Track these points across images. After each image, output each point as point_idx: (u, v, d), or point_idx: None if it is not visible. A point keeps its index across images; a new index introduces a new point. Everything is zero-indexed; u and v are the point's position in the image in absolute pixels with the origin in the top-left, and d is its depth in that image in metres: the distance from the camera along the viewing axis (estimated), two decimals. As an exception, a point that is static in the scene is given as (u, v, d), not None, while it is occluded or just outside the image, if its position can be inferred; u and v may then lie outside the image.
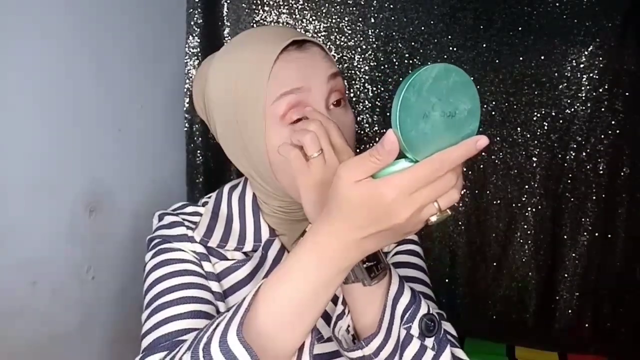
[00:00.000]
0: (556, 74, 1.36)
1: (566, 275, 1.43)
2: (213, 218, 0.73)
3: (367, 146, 1.44)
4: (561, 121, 1.38)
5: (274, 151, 0.63)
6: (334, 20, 1.40)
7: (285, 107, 0.62)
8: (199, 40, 1.38)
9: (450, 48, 1.39)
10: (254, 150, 0.65)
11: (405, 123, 0.44)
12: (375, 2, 1.39)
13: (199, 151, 1.42)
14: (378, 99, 1.43)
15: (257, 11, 1.40)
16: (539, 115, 1.39)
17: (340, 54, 1.42)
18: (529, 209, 1.43)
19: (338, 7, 1.39)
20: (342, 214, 0.47)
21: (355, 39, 1.41)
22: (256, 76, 0.63)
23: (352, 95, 1.43)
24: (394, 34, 1.40)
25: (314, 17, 1.40)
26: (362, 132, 1.44)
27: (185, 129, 1.40)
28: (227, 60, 0.67)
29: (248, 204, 0.74)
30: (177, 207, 0.77)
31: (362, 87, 1.43)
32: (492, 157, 1.42)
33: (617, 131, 1.36)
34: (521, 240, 1.44)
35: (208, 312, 0.64)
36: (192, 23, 1.37)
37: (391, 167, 0.46)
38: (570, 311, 1.44)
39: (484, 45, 1.38)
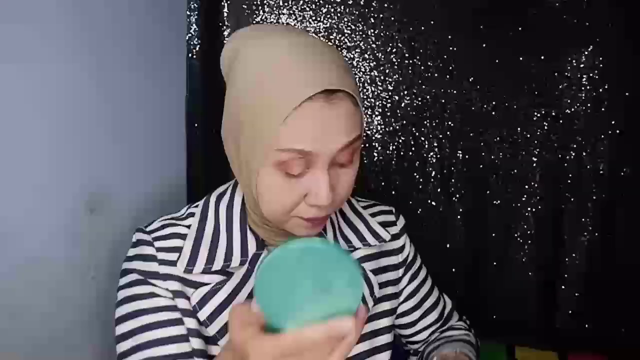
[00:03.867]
0: (556, 74, 1.36)
1: (566, 275, 1.43)
2: (197, 240, 0.72)
3: (367, 146, 1.44)
4: (561, 121, 1.38)
5: (262, 182, 0.62)
6: (334, 20, 1.40)
7: (289, 161, 0.60)
8: (199, 41, 1.38)
9: (450, 48, 1.38)
10: (245, 166, 0.65)
11: (270, 298, 0.47)
12: (375, 2, 1.39)
13: (199, 151, 1.42)
14: (378, 99, 1.43)
15: (257, 12, 1.40)
16: (539, 115, 1.39)
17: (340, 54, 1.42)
18: (529, 209, 1.43)
19: (338, 7, 1.39)
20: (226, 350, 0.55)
21: (355, 39, 1.41)
22: (273, 112, 0.58)
23: (352, 95, 1.43)
24: (394, 34, 1.40)
25: (314, 17, 1.40)
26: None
27: (186, 129, 1.40)
28: (259, 59, 0.61)
29: (236, 213, 0.73)
30: (156, 227, 0.74)
31: (362, 87, 1.43)
32: (492, 157, 1.42)
33: (617, 131, 1.35)
34: (521, 240, 1.44)
35: (186, 351, 0.68)
36: (192, 23, 1.37)
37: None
38: (570, 311, 1.44)
39: (484, 45, 1.37)
